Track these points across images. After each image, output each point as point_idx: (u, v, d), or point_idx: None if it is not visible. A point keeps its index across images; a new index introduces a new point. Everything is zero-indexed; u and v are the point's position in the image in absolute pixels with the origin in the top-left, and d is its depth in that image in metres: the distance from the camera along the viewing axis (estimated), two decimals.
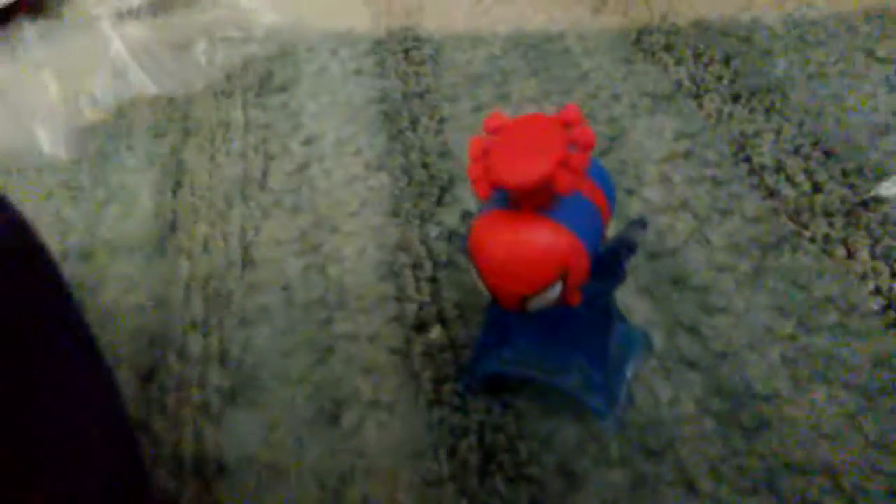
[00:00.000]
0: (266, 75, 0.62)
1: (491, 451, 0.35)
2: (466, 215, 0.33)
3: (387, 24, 0.64)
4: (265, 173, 0.52)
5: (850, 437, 0.32)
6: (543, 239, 0.27)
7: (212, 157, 0.55)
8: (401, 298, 0.42)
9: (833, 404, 0.33)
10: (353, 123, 0.55)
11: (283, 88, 0.60)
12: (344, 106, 0.57)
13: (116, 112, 0.61)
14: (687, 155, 0.46)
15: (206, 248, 0.47)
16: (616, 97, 0.52)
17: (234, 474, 0.36)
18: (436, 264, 0.43)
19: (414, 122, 0.54)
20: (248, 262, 0.46)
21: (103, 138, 0.58)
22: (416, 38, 0.62)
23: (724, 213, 0.42)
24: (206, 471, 0.36)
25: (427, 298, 0.41)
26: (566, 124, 0.26)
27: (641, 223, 0.30)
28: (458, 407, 0.36)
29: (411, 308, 0.41)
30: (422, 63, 0.59)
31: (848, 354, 0.35)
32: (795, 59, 0.51)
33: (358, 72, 0.60)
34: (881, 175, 0.42)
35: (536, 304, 0.28)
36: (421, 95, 0.56)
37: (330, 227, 0.47)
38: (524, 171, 0.26)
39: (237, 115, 0.58)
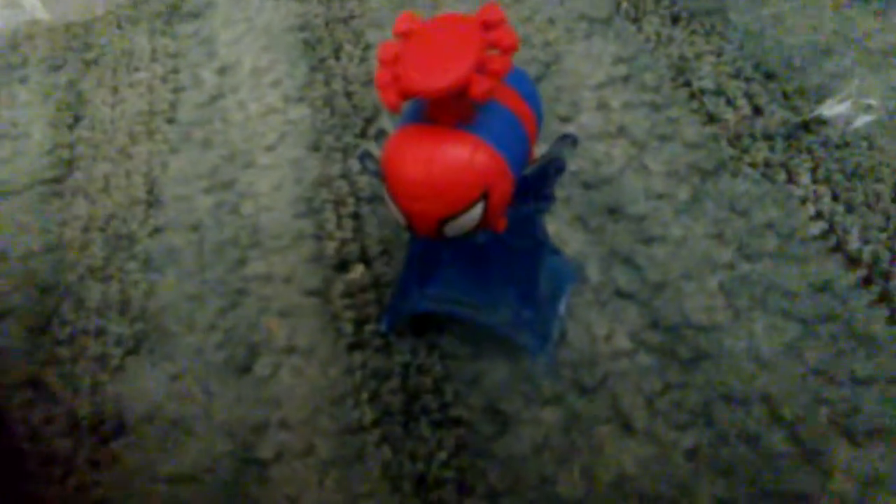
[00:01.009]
0: (176, 0, 0.57)
1: (415, 394, 0.32)
2: (381, 134, 0.30)
3: None
4: (173, 105, 0.48)
5: (790, 366, 0.31)
6: (460, 154, 0.24)
7: (114, 90, 0.50)
8: (320, 236, 0.39)
9: (773, 333, 0.32)
10: (271, 52, 0.50)
11: (194, 14, 0.55)
12: (261, 33, 0.52)
13: (8, 42, 0.55)
14: (625, 80, 0.44)
15: (106, 188, 0.43)
16: (551, 21, 0.49)
17: (135, 431, 0.33)
18: (358, 199, 0.40)
19: (337, 51, 0.50)
20: (153, 201, 0.42)
21: None
22: None
23: (663, 138, 0.40)
24: (105, 428, 0.33)
25: (348, 235, 0.38)
26: (485, 26, 0.23)
27: (571, 139, 0.28)
28: (380, 349, 0.34)
29: (331, 246, 0.38)
30: None
31: (788, 281, 0.33)
32: None
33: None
34: (823, 96, 0.40)
35: (455, 229, 0.25)
36: (345, 21, 0.52)
37: (244, 163, 0.43)
38: (436, 76, 0.23)
39: (143, 44, 0.53)
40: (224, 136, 0.45)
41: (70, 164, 0.45)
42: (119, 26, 0.55)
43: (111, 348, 0.36)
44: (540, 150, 0.28)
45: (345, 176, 0.41)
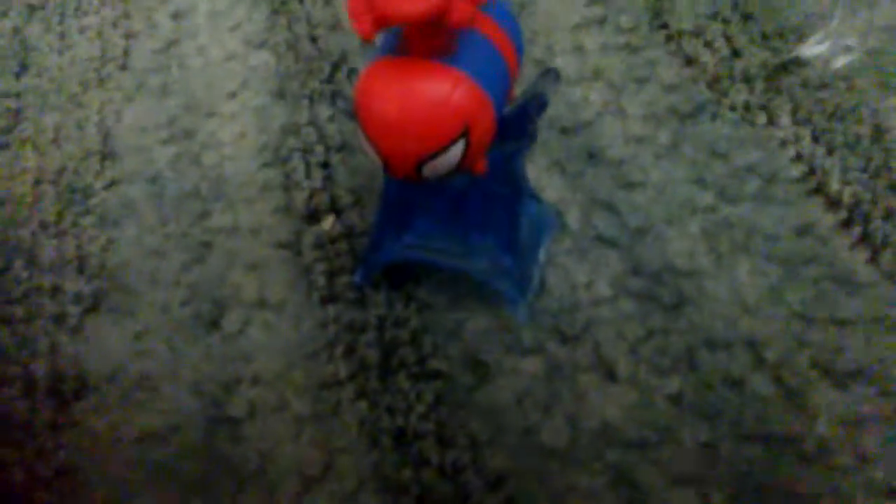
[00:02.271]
0: None
1: (392, 347, 0.31)
2: (352, 73, 0.28)
3: None
4: (126, 52, 0.45)
5: (773, 309, 0.30)
6: (439, 88, 0.22)
7: (62, 36, 0.47)
8: (288, 186, 0.37)
9: (755, 277, 0.31)
10: None
11: None
12: None
13: None
14: (601, 22, 0.42)
15: (56, 139, 0.41)
16: None
17: (96, 391, 0.31)
18: (328, 148, 0.38)
19: None
20: (108, 152, 0.40)
21: None
22: None
23: (641, 81, 0.39)
24: (64, 389, 0.31)
25: (318, 185, 0.37)
26: None
27: (553, 74, 0.26)
28: (354, 301, 0.33)
29: (300, 196, 0.36)
30: None
31: (769, 224, 0.32)
32: None
33: None
34: (802, 37, 0.39)
35: (434, 170, 0.24)
36: None
37: (205, 111, 0.41)
38: (414, 0, 0.21)
39: None
40: (182, 84, 0.43)
41: (17, 115, 0.42)
42: None
43: (69, 307, 0.34)
44: (518, 89, 0.27)
45: (312, 123, 0.39)
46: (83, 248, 0.36)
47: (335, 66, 0.42)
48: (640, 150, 0.36)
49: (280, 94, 0.41)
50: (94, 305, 0.34)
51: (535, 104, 0.25)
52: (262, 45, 0.44)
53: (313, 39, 0.44)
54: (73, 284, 0.35)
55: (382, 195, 0.31)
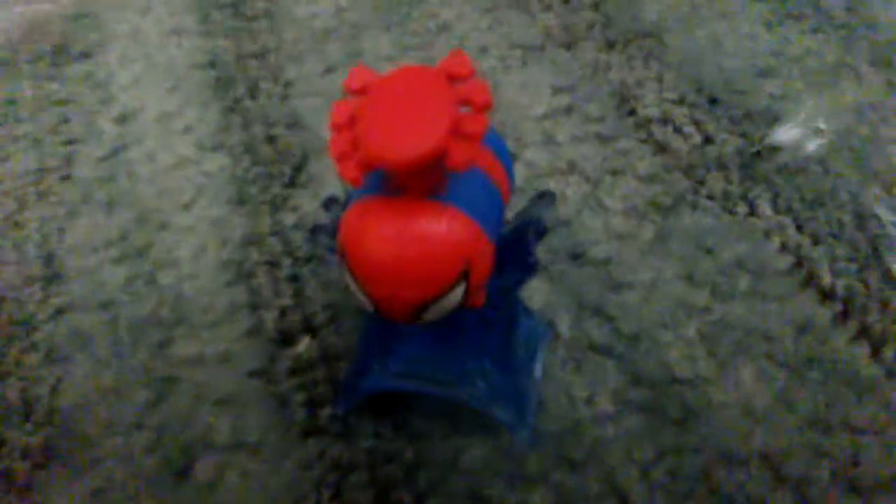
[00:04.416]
0: (62, 39, 0.51)
1: (385, 487, 0.28)
2: (331, 202, 0.26)
3: None
4: (68, 160, 0.42)
5: (785, 417, 0.29)
6: (439, 230, 0.21)
7: None
8: (256, 305, 0.34)
9: (761, 382, 0.30)
10: (177, 94, 0.45)
11: (85, 55, 0.49)
12: (164, 73, 0.47)
13: None
14: (568, 110, 0.41)
15: None
16: (483, 50, 0.46)
17: None
18: (295, 259, 0.36)
19: (253, 89, 0.45)
20: (52, 276, 0.36)
21: None
22: None
23: (616, 173, 0.38)
24: None
25: (289, 302, 0.34)
26: (453, 78, 0.20)
27: (549, 196, 0.25)
28: (339, 435, 0.30)
29: (270, 316, 0.34)
30: (255, 18, 0.51)
31: (767, 323, 0.31)
32: (668, 2, 0.48)
33: (177, 31, 0.50)
34: (771, 120, 0.39)
35: (435, 312, 0.22)
36: (259, 56, 0.47)
37: (158, 224, 0.38)
38: (408, 143, 0.19)
39: (25, 91, 0.47)
40: (131, 195, 0.40)
41: None
42: None
43: (15, 462, 0.30)
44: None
45: (277, 233, 0.37)
46: (29, 391, 0.32)
47: (297, 169, 0.40)
48: (624, 247, 0.35)
49: (239, 202, 0.39)
50: (44, 459, 0.30)
51: (534, 232, 0.24)
52: (216, 148, 0.42)
53: (271, 140, 0.42)
54: (18, 435, 0.31)
55: (365, 319, 0.29)
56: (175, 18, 0.51)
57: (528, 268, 0.24)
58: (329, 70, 0.46)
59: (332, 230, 0.24)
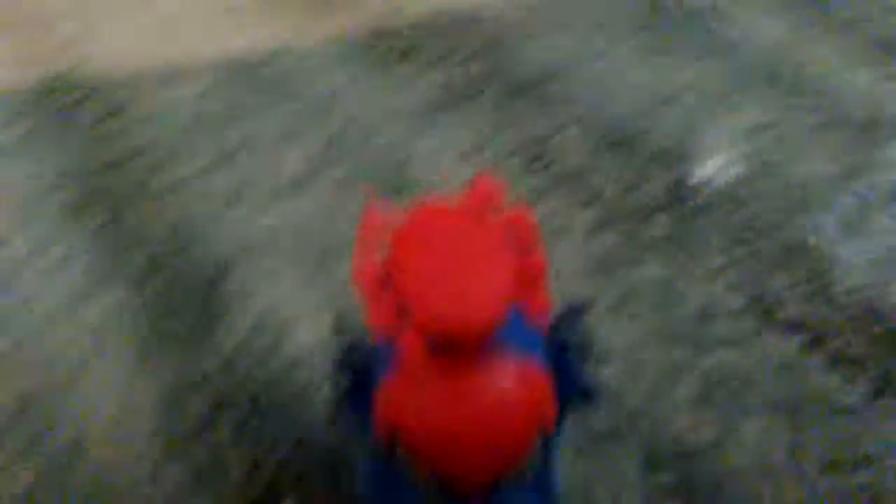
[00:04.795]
0: None
1: None
2: (353, 350, 0.22)
3: (38, 72, 0.47)
4: None
5: (797, 466, 0.29)
6: (514, 385, 0.18)
7: None
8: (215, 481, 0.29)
9: (764, 435, 0.30)
10: (37, 223, 0.38)
11: None
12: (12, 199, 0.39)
13: None
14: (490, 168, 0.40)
15: None
16: (385, 115, 0.43)
17: None
18: (255, 405, 0.31)
19: (128, 201, 0.39)
20: None
21: None
22: (85, 86, 0.46)
23: (558, 233, 0.37)
24: None
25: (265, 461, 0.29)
26: (517, 243, 0.18)
27: (580, 307, 0.23)
28: None
29: (237, 485, 0.29)
30: (105, 119, 0.44)
31: (748, 367, 0.32)
32: (549, 45, 0.48)
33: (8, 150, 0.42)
34: (681, 158, 0.40)
35: (511, 479, 0.19)
36: (119, 165, 0.41)
37: (55, 394, 0.31)
38: (473, 304, 0.17)
39: None
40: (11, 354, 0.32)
41: None
42: None
43: None
44: None
45: (224, 372, 0.32)
46: None
47: (213, 282, 0.35)
48: (599, 319, 0.34)
49: (155, 341, 0.33)
50: None
51: (578, 355, 0.22)
52: (104, 277, 0.35)
53: (176, 253, 0.36)
54: None
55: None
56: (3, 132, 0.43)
57: (589, 390, 0.21)
58: (217, 163, 0.40)
59: (360, 393, 0.20)
